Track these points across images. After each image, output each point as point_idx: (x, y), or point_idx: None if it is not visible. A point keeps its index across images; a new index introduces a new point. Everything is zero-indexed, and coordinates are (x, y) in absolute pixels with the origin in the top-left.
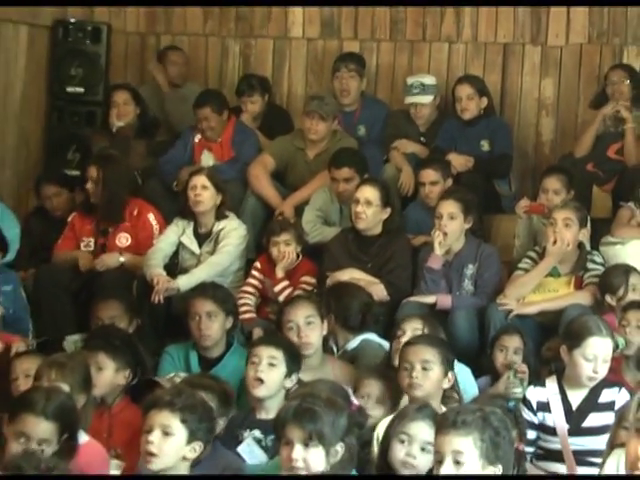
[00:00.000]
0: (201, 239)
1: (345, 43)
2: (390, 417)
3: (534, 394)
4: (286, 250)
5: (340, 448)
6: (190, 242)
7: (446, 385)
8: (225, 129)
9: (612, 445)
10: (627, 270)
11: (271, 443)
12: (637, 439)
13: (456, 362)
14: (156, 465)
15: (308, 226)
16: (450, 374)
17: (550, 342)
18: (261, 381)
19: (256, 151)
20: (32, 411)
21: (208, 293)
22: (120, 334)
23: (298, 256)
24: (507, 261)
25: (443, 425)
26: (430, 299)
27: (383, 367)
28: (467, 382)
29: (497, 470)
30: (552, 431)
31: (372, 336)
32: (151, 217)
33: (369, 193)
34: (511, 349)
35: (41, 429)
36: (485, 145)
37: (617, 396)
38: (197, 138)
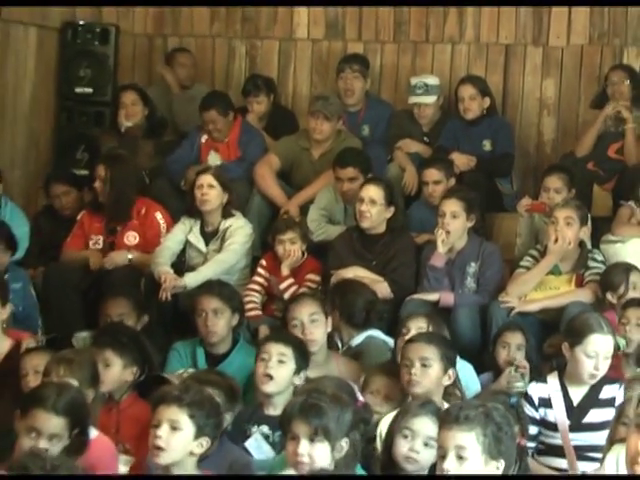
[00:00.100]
0: (208, 237)
1: (349, 44)
2: (393, 413)
3: (536, 390)
4: (291, 248)
5: (345, 443)
6: (197, 240)
7: (447, 382)
8: (231, 129)
9: (612, 441)
10: (628, 268)
11: (278, 439)
12: (637, 434)
13: (458, 359)
14: (164, 459)
15: (313, 225)
16: (451, 371)
17: (551, 339)
18: (270, 377)
19: (262, 151)
20: (43, 406)
21: (214, 290)
22: (127, 331)
23: (303, 254)
24: (509, 259)
25: (446, 420)
26: (433, 297)
27: (391, 364)
28: (469, 379)
29: (499, 465)
30: (553, 427)
31: (376, 333)
32: (158, 216)
33: (373, 192)
34: (513, 345)
35: (52, 424)
36: (487, 145)
37: (618, 392)
38: (204, 138)
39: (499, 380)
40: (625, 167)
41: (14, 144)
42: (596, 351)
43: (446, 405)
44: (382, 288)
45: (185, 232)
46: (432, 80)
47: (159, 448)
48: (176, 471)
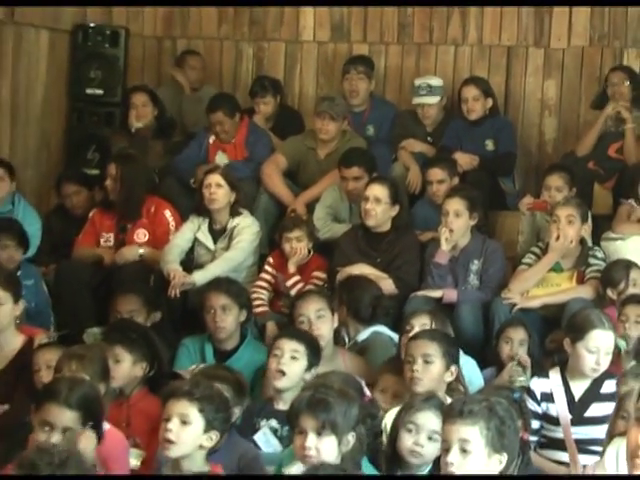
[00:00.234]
0: (216, 235)
1: (354, 46)
2: (397, 408)
3: (538, 385)
4: (298, 246)
5: (351, 437)
6: (205, 238)
7: (449, 378)
8: (238, 130)
9: (611, 434)
10: (628, 265)
11: (286, 433)
12: (637, 428)
13: (462, 354)
14: (174, 452)
15: (319, 223)
16: (453, 368)
17: (553, 335)
18: (283, 373)
19: (269, 151)
20: (55, 401)
21: (223, 287)
22: (137, 327)
23: (309, 252)
24: (511, 256)
25: (450, 415)
26: (437, 293)
27: (398, 362)
28: (473, 374)
29: (502, 458)
30: (555, 421)
31: (382, 328)
32: (167, 214)
33: (378, 191)
34: (516, 341)
35: (65, 418)
36: (490, 144)
37: None
38: (211, 139)
39: (501, 375)
40: (625, 166)
41: (26, 144)
42: (597, 346)
43: (449, 400)
44: (387, 285)
45: (194, 230)
46: (435, 81)
47: (169, 441)
48: (186, 464)
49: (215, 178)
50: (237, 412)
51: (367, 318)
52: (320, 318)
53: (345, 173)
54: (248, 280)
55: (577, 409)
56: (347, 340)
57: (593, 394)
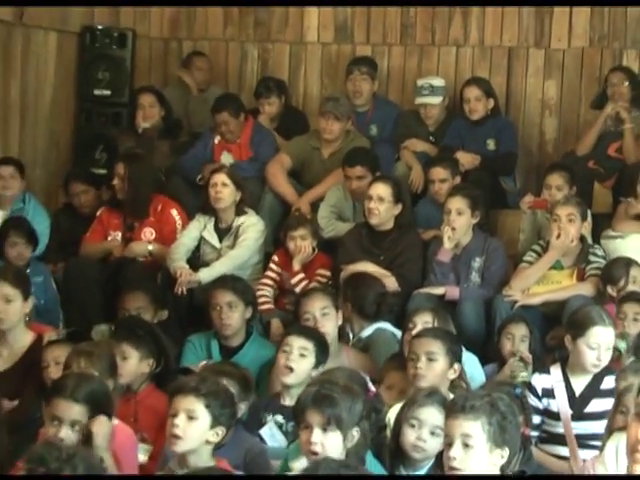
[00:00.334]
0: (221, 234)
1: (358, 47)
2: (400, 403)
3: (539, 381)
4: (302, 244)
5: (356, 432)
6: (211, 237)
7: (452, 376)
8: (243, 130)
9: (610, 429)
10: (628, 263)
11: (292, 429)
12: (637, 423)
13: (464, 350)
14: (181, 447)
15: (323, 221)
16: (456, 365)
17: (554, 331)
18: (290, 369)
19: (273, 151)
20: (62, 395)
21: (228, 285)
22: (143, 325)
23: (314, 250)
24: (512, 254)
25: (452, 410)
26: (439, 290)
27: (402, 358)
28: (474, 370)
29: (504, 453)
30: (556, 416)
31: (386, 325)
32: (174, 212)
33: (381, 190)
34: (518, 337)
35: (72, 412)
36: (491, 144)
37: None
38: (217, 139)
39: (503, 370)
40: (624, 165)
41: (35, 144)
42: (598, 343)
43: (452, 396)
44: (390, 282)
45: (199, 229)
46: (438, 81)
47: (176, 437)
48: (192, 459)
49: (221, 177)
50: (243, 408)
51: (371, 315)
52: (325, 316)
53: (349, 172)
54: (253, 278)
55: (577, 405)
56: (351, 336)
57: (593, 390)
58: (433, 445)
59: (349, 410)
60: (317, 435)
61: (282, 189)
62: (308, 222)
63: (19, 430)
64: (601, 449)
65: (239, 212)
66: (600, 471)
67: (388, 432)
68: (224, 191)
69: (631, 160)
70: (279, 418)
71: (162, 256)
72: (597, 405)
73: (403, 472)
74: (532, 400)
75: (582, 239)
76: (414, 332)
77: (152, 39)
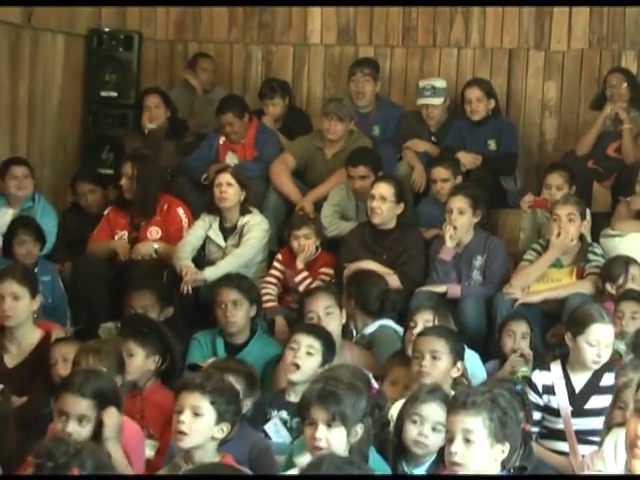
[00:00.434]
0: (226, 233)
1: (360, 49)
2: (403, 399)
3: (540, 378)
4: (306, 243)
5: (360, 429)
6: (216, 236)
7: (455, 374)
8: (248, 131)
9: (609, 425)
10: (627, 261)
11: (296, 425)
12: (637, 419)
13: (465, 348)
14: (186, 443)
15: (326, 221)
16: (459, 364)
17: (554, 329)
18: (297, 367)
19: (277, 151)
20: (70, 390)
21: (233, 283)
22: (149, 322)
23: (317, 249)
24: (513, 253)
25: (454, 406)
26: (441, 288)
27: (405, 355)
28: (476, 366)
29: (505, 448)
30: (556, 412)
31: (388, 322)
32: (180, 211)
33: (384, 190)
34: (519, 334)
35: (79, 406)
36: (492, 144)
37: None
38: (221, 140)
39: (504, 367)
40: (623, 165)
41: (43, 145)
42: (598, 340)
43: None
44: (392, 281)
45: (205, 228)
46: (439, 83)
47: (182, 433)
48: (198, 455)
49: (225, 177)
50: (248, 404)
51: (375, 311)
52: (329, 315)
53: (352, 172)
54: (258, 276)
55: (577, 401)
56: (355, 333)
57: (593, 387)
58: (435, 441)
59: (353, 407)
60: (322, 431)
61: (286, 189)
62: (312, 221)
63: (28, 426)
64: (600, 444)
65: (244, 211)
66: (599, 466)
67: (391, 428)
68: (229, 191)
69: (630, 160)
70: (284, 414)
71: (168, 255)
72: (597, 401)
73: (405, 468)
74: (533, 396)
75: (581, 238)
76: (416, 331)
77: (158, 41)
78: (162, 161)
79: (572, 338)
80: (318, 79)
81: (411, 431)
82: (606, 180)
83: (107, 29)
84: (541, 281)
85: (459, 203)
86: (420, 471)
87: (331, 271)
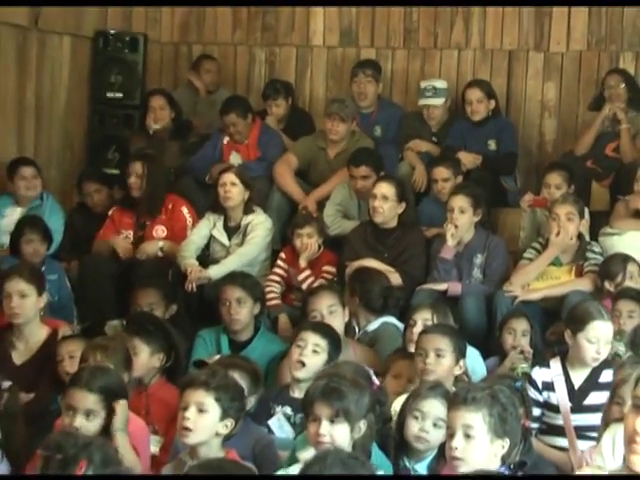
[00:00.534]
0: (230, 232)
1: (362, 51)
2: (404, 395)
3: (539, 375)
4: (309, 242)
5: (363, 425)
6: (220, 235)
7: (457, 372)
8: (251, 131)
9: (606, 420)
10: (625, 259)
11: (299, 420)
12: (634, 414)
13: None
14: (191, 439)
15: (329, 220)
16: (462, 362)
17: (553, 327)
18: (303, 364)
19: (280, 151)
20: (77, 385)
21: (237, 281)
22: (154, 320)
23: (320, 247)
24: (513, 251)
25: (454, 402)
26: (442, 286)
27: (407, 351)
28: (476, 363)
29: (504, 443)
30: (556, 408)
31: (391, 319)
32: (185, 210)
33: (385, 189)
34: (519, 331)
35: (86, 401)
36: (492, 144)
37: None
38: (225, 140)
39: (504, 363)
40: (621, 164)
41: (50, 145)
42: (597, 337)
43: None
44: (394, 279)
45: (209, 227)
46: (440, 83)
47: (187, 429)
48: (203, 451)
49: (229, 177)
50: (252, 401)
51: (378, 308)
52: (332, 313)
53: (354, 172)
54: (261, 274)
55: (577, 397)
56: (357, 330)
57: (592, 383)
58: (436, 436)
59: (357, 403)
60: (325, 427)
61: (289, 188)
62: (314, 220)
63: (35, 422)
64: (597, 440)
65: (247, 211)
66: (597, 461)
67: (394, 421)
68: (233, 190)
69: (628, 159)
70: (288, 410)
71: (173, 253)
72: (595, 398)
73: (407, 463)
74: (532, 393)
75: (580, 236)
76: (415, 329)
77: (163, 43)
78: (166, 161)
79: (572, 335)
80: (321, 80)
81: (412, 427)
82: (604, 179)
83: (113, 31)
84: (540, 279)
85: (460, 202)
86: (421, 466)
87: (334, 269)
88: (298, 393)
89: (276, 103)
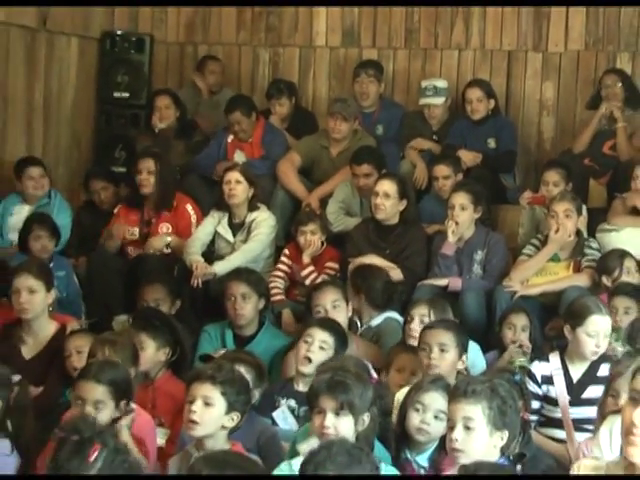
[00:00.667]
0: (235, 229)
1: (364, 51)
2: (407, 388)
3: (538, 368)
4: (312, 238)
5: (366, 418)
6: (225, 231)
7: (460, 366)
8: (255, 130)
9: (602, 413)
10: (622, 254)
11: (303, 413)
12: (631, 407)
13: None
14: (198, 432)
15: (332, 217)
16: (464, 356)
17: (552, 323)
18: (309, 360)
19: (284, 149)
20: (86, 377)
21: (242, 277)
22: (160, 315)
23: (323, 244)
24: (512, 247)
25: (455, 395)
26: (443, 282)
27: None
28: (476, 357)
29: (504, 435)
30: (554, 402)
31: (394, 314)
32: (189, 207)
33: (387, 187)
34: (519, 327)
35: (95, 392)
36: (492, 142)
37: None
38: (230, 138)
39: (503, 357)
40: (618, 162)
41: (58, 144)
42: (596, 330)
43: None
44: (395, 274)
45: (214, 224)
46: (441, 83)
47: (194, 422)
48: (209, 443)
49: (234, 175)
50: (256, 394)
51: (383, 304)
52: (336, 308)
53: (356, 170)
54: (265, 270)
55: (575, 391)
56: (359, 326)
57: (590, 377)
58: (437, 428)
59: (361, 396)
60: (330, 419)
61: (293, 186)
62: (317, 217)
63: (44, 415)
64: (594, 432)
65: (252, 208)
66: (595, 452)
67: (395, 414)
68: (237, 188)
69: (624, 157)
70: (292, 402)
71: (179, 249)
72: (593, 391)
73: (408, 454)
74: (532, 386)
75: (578, 233)
76: (412, 324)
77: (169, 44)
78: (172, 159)
79: (571, 330)
80: (323, 80)
81: (414, 419)
82: (602, 177)
83: (120, 32)
84: (539, 275)
85: (461, 199)
86: (422, 458)
87: (336, 265)
88: (302, 386)
89: (280, 102)
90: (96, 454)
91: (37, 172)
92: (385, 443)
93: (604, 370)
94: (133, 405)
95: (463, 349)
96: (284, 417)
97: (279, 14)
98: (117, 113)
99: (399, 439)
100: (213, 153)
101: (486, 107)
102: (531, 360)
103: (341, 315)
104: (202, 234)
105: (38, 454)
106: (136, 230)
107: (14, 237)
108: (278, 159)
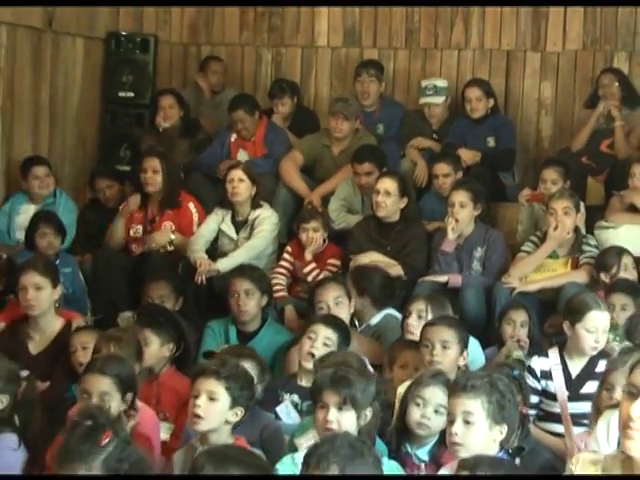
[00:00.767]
0: (238, 226)
1: (365, 51)
2: (407, 382)
3: (538, 363)
4: (314, 236)
5: (369, 412)
6: (228, 229)
7: (462, 362)
8: (258, 129)
9: (597, 407)
10: (620, 251)
11: (306, 408)
12: (628, 401)
13: None
14: (202, 427)
15: (334, 214)
16: (465, 352)
17: (551, 319)
18: (313, 356)
19: (286, 148)
20: (91, 370)
21: (245, 273)
22: (164, 312)
23: (325, 241)
24: (511, 244)
25: (455, 389)
26: (443, 278)
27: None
28: (476, 352)
29: (503, 429)
30: (553, 396)
31: (394, 312)
32: (191, 206)
33: (388, 184)
34: (518, 323)
35: (101, 384)
36: (491, 141)
37: None
38: (233, 137)
39: (501, 351)
40: (616, 160)
41: (64, 143)
42: (596, 326)
43: None
44: (396, 271)
45: (218, 222)
46: (441, 82)
47: (198, 416)
48: (213, 437)
49: (237, 173)
50: (259, 389)
51: (383, 300)
52: (338, 304)
53: (358, 168)
54: (268, 267)
55: (574, 386)
56: (357, 325)
57: (588, 372)
58: (437, 423)
59: (364, 391)
60: (333, 414)
61: (295, 184)
62: (319, 215)
63: (51, 410)
64: (590, 426)
65: (255, 205)
66: (592, 446)
67: (396, 409)
68: (240, 186)
69: (622, 155)
70: (295, 397)
71: (183, 247)
72: (592, 387)
73: (408, 448)
74: (531, 381)
75: (576, 230)
76: (410, 320)
77: (173, 44)
78: (176, 158)
79: (570, 326)
80: (325, 80)
81: (414, 413)
82: (599, 175)
83: (124, 32)
84: (538, 271)
85: (460, 197)
86: (422, 452)
87: (338, 262)
88: (305, 382)
89: (282, 102)
90: (108, 440)
91: (42, 171)
92: (383, 437)
93: (602, 366)
94: (138, 403)
95: (464, 345)
96: (287, 412)
97: (281, 15)
98: (122, 112)
99: (400, 433)
100: (216, 152)
101: (485, 106)
102: (529, 355)
103: (343, 311)
104: (206, 231)
105: (45, 449)
106: (140, 228)
107: (21, 236)
108: (280, 157)
